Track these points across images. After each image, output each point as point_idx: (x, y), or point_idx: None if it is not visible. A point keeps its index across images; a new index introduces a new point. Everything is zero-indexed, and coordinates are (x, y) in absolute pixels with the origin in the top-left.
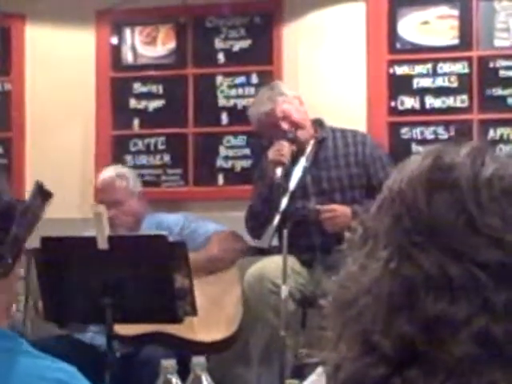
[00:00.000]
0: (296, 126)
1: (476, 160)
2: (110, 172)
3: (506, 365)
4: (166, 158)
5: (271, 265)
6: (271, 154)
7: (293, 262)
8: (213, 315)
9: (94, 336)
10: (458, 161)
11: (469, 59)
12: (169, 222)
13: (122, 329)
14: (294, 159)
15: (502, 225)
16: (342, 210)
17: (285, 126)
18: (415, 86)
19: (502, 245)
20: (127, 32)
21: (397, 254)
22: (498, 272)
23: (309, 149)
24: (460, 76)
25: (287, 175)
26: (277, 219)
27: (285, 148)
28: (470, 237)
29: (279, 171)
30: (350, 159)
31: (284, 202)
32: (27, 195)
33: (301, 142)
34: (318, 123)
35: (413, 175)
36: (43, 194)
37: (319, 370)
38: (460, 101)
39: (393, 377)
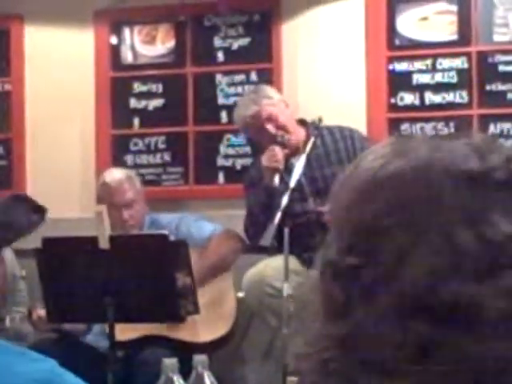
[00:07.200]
0: (282, 128)
1: (375, 161)
2: (117, 174)
3: None
4: (167, 156)
5: (270, 268)
6: (265, 160)
7: (293, 262)
8: (210, 316)
9: (94, 338)
10: (364, 165)
11: (468, 55)
12: (163, 223)
13: (120, 334)
14: (292, 160)
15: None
16: None
17: (271, 129)
18: (415, 82)
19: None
20: (126, 31)
21: (327, 272)
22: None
23: (309, 146)
24: (459, 71)
25: (288, 172)
26: (278, 217)
27: (278, 153)
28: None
29: (277, 178)
30: (341, 155)
31: (285, 199)
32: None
33: (292, 145)
34: (302, 123)
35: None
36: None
37: None
38: (460, 96)
39: None
